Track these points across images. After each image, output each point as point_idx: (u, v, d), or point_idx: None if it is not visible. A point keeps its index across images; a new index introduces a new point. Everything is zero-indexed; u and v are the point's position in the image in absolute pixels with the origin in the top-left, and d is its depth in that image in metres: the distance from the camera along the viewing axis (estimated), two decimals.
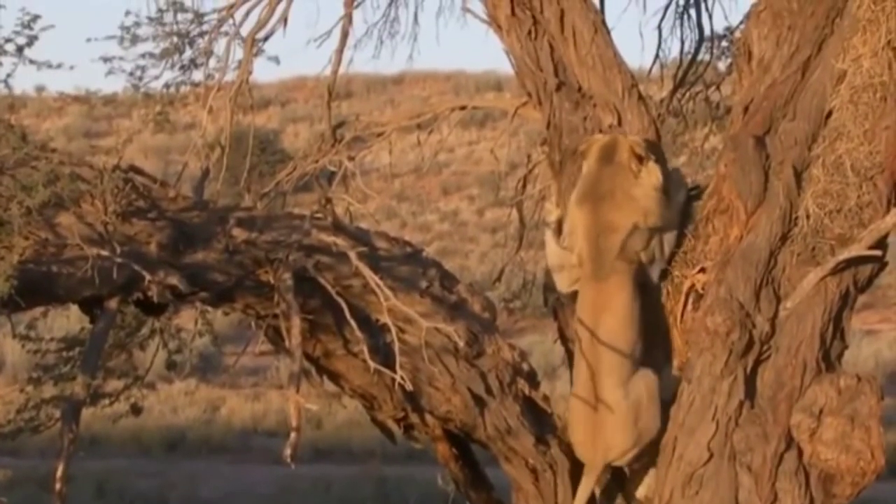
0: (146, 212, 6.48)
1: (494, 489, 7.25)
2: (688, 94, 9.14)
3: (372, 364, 6.39)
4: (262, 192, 7.60)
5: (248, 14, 7.51)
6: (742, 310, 6.61)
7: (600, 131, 7.07)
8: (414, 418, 6.84)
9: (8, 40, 6.09)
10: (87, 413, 6.73)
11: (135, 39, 7.23)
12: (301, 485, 16.04)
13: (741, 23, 8.09)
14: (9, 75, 6.12)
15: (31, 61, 6.10)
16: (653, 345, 6.80)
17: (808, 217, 6.68)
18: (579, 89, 7.17)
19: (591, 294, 6.72)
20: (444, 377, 6.70)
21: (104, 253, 6.08)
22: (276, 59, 7.53)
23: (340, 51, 7.58)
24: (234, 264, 6.50)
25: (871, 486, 6.74)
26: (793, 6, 6.97)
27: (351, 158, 7.57)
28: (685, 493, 6.64)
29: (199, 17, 7.59)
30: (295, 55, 8.03)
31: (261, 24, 7.49)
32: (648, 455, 6.80)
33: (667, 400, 6.73)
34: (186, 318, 7.63)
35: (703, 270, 6.88)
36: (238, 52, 7.54)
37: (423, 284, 6.83)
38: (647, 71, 9.15)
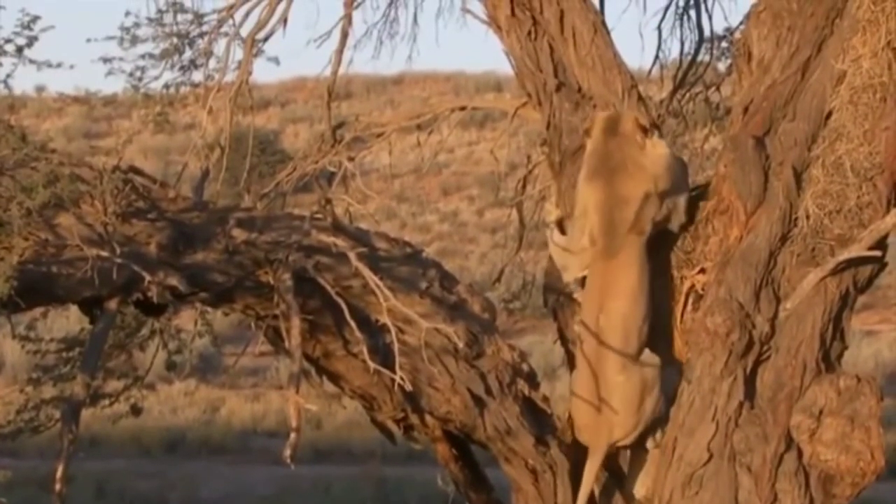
0: (146, 212, 6.48)
1: (494, 490, 7.25)
2: (688, 95, 9.14)
3: (371, 364, 6.39)
4: (262, 192, 7.60)
5: (247, 15, 7.51)
6: (742, 310, 6.61)
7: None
8: (414, 419, 6.84)
9: (8, 41, 6.09)
10: (86, 414, 6.73)
11: (135, 40, 7.23)
12: (301, 485, 16.06)
13: (741, 23, 8.10)
14: (9, 76, 6.12)
15: (31, 61, 6.10)
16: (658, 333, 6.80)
17: (807, 217, 6.68)
18: (579, 90, 7.17)
19: (602, 272, 6.70)
20: (443, 378, 6.69)
21: (104, 253, 6.08)
22: (276, 60, 7.54)
23: (340, 51, 7.59)
24: (233, 265, 6.50)
25: (871, 487, 6.74)
26: (792, 7, 6.97)
27: (351, 159, 7.57)
28: (685, 494, 6.64)
29: (198, 17, 7.59)
30: (295, 56, 8.03)
31: (260, 25, 7.49)
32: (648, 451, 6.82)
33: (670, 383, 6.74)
34: (186, 318, 7.63)
35: (702, 271, 6.88)
36: (238, 53, 7.55)
37: (423, 285, 6.83)
38: (646, 72, 9.15)
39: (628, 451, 6.96)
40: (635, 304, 6.65)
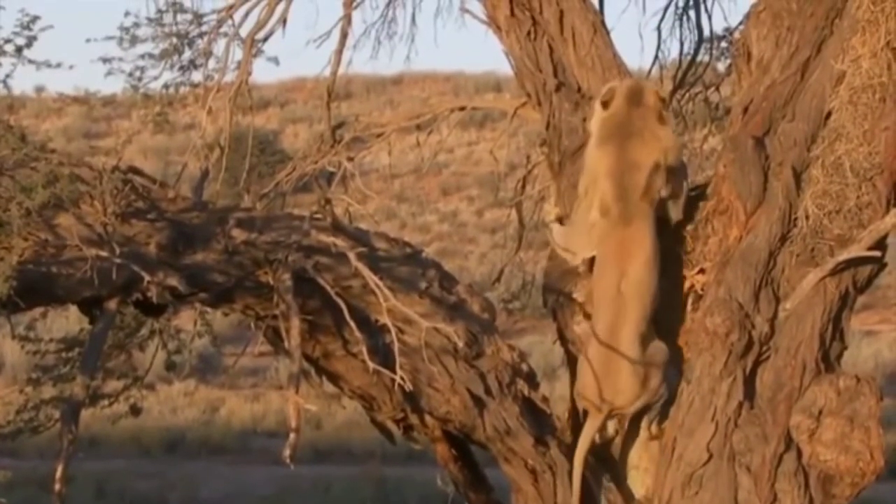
0: (145, 212, 6.48)
1: (494, 490, 7.24)
2: (687, 95, 9.14)
3: (371, 365, 6.39)
4: (262, 192, 7.60)
5: (247, 15, 7.52)
6: (741, 310, 6.61)
7: None
8: (413, 419, 6.84)
9: (7, 41, 6.09)
10: (86, 414, 6.72)
11: (134, 40, 7.23)
12: (301, 485, 16.07)
13: (740, 24, 8.09)
14: (8, 76, 6.12)
15: (31, 61, 6.10)
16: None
17: (807, 218, 6.68)
18: (579, 90, 7.17)
19: (620, 239, 6.70)
20: (443, 378, 6.69)
21: (103, 254, 6.08)
22: (276, 60, 7.54)
23: (339, 51, 7.59)
24: (233, 265, 6.50)
25: (871, 487, 6.74)
26: (792, 7, 6.97)
27: (350, 159, 7.58)
28: (684, 494, 6.64)
29: (198, 17, 7.59)
30: (294, 56, 8.03)
31: (260, 25, 7.50)
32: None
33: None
34: (186, 318, 7.62)
35: (702, 271, 6.89)
36: (237, 53, 7.56)
37: (423, 285, 6.83)
38: (646, 72, 9.15)
39: (622, 449, 6.97)
40: (651, 272, 6.68)
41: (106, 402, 7.56)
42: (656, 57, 9.17)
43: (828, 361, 6.73)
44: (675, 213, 6.88)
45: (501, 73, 38.78)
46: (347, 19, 7.57)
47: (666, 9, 8.94)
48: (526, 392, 6.87)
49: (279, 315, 6.43)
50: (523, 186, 7.92)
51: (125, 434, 18.38)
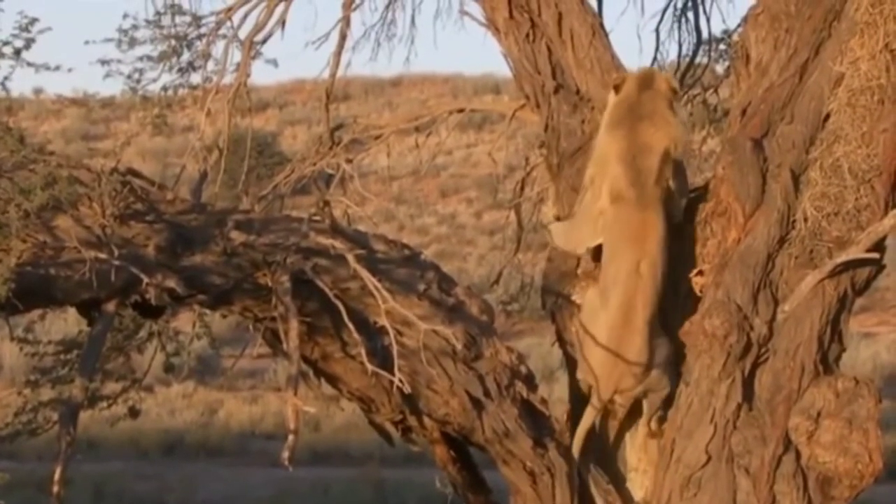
0: (144, 214, 6.47)
1: (492, 492, 7.24)
2: (686, 97, 9.14)
3: (370, 367, 6.38)
4: (260, 194, 7.60)
5: (245, 17, 7.52)
6: (740, 312, 6.61)
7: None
8: (412, 421, 6.84)
9: (6, 43, 6.08)
10: (84, 416, 6.72)
11: (133, 42, 7.22)
12: (299, 488, 16.05)
13: (739, 26, 8.10)
14: (6, 78, 6.11)
15: (29, 64, 6.10)
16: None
17: (805, 220, 6.68)
18: (577, 92, 7.17)
19: (638, 223, 6.72)
20: (442, 380, 6.69)
21: (102, 256, 6.08)
22: (274, 62, 7.54)
23: (338, 53, 7.59)
24: (231, 267, 6.50)
25: (869, 489, 6.74)
26: (790, 9, 6.97)
27: (349, 161, 7.58)
28: (683, 496, 6.64)
29: (196, 19, 7.59)
30: (293, 58, 8.03)
31: (259, 27, 7.50)
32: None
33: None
34: (184, 320, 7.62)
35: (700, 273, 6.89)
36: (236, 55, 7.56)
37: (421, 287, 6.82)
38: None
39: (621, 451, 6.98)
40: (663, 257, 6.70)
41: (104, 404, 7.55)
42: (655, 59, 9.18)
43: (826, 363, 6.73)
44: (677, 212, 6.88)
45: (500, 75, 38.77)
46: (346, 21, 7.57)
47: (664, 11, 8.95)
48: (524, 394, 6.87)
49: (278, 317, 6.43)
50: (522, 188, 7.93)
51: (123, 436, 18.35)
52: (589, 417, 6.83)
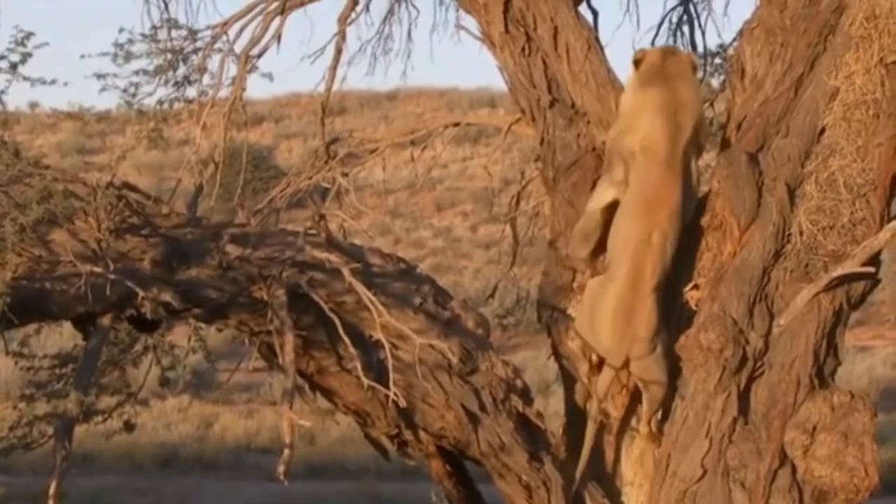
0: (139, 228, 6.47)
1: None
2: None
3: (365, 381, 6.38)
4: (256, 208, 7.60)
5: (241, 31, 7.53)
6: (735, 326, 6.61)
7: (593, 149, 7.09)
8: (407, 435, 6.84)
9: (2, 57, 6.09)
10: (80, 430, 6.71)
11: (129, 56, 7.23)
12: (295, 501, 16.03)
13: (734, 40, 8.10)
14: (2, 92, 6.12)
15: (25, 78, 6.10)
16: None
17: (801, 233, 6.69)
18: (573, 106, 7.18)
19: (657, 182, 6.70)
20: (437, 394, 6.69)
21: (97, 269, 6.08)
22: (270, 76, 7.54)
23: (334, 67, 7.60)
24: (227, 281, 6.50)
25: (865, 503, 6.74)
26: (786, 23, 6.99)
27: (345, 174, 7.58)
28: None
29: (192, 34, 7.60)
30: (289, 72, 8.03)
31: (254, 41, 7.50)
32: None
33: None
34: (180, 334, 7.62)
35: (696, 287, 6.89)
36: (232, 69, 7.56)
37: (417, 301, 6.83)
38: None
39: (617, 465, 6.97)
40: (676, 232, 6.71)
41: (100, 418, 7.54)
42: None
43: (822, 377, 6.73)
44: (690, 207, 6.86)
45: (496, 89, 38.78)
46: (342, 35, 7.58)
47: (660, 25, 8.95)
48: (520, 408, 6.87)
49: (273, 331, 6.43)
50: (517, 202, 7.93)
51: (119, 450, 18.32)
52: (605, 382, 6.80)
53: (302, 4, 7.52)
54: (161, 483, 17.81)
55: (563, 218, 7.16)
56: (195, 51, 7.57)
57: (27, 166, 6.06)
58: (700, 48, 9.05)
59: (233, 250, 6.52)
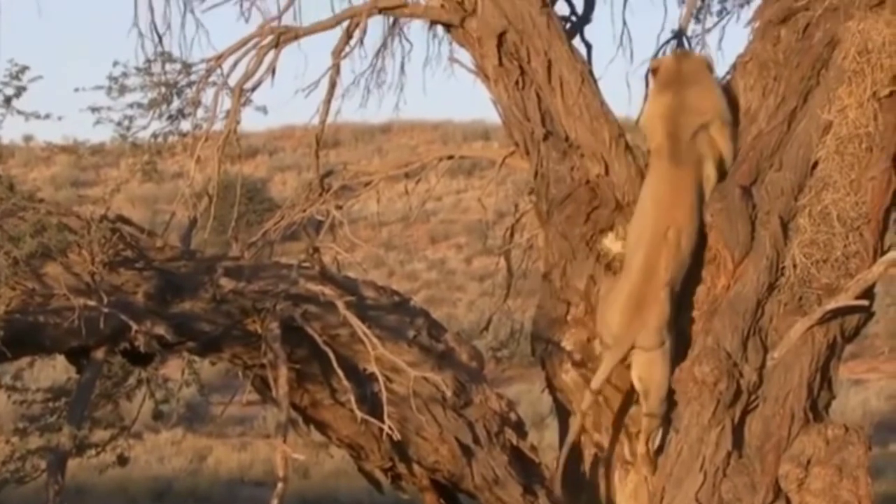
0: (133, 261, 6.47)
1: None
2: None
3: (359, 414, 6.37)
4: (250, 241, 7.59)
5: (235, 64, 7.52)
6: (730, 359, 6.61)
7: (587, 182, 7.10)
8: (401, 468, 6.83)
9: None
10: (73, 464, 6.69)
11: (123, 90, 7.23)
12: None
13: (727, 73, 8.12)
14: None
15: (20, 112, 6.11)
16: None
17: (794, 267, 6.69)
18: (566, 139, 7.19)
19: (670, 181, 6.85)
20: (431, 427, 6.68)
21: (91, 303, 6.07)
22: (264, 109, 7.55)
23: (328, 101, 7.60)
24: (221, 314, 6.50)
25: None
26: (779, 57, 7.01)
27: (339, 207, 7.57)
28: None
29: (187, 67, 7.60)
30: (283, 105, 8.04)
31: (249, 75, 7.50)
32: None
33: None
34: (173, 367, 7.60)
35: (690, 320, 6.89)
36: (226, 102, 7.55)
37: (411, 334, 6.83)
38: (634, 121, 9.17)
39: (612, 498, 6.96)
40: (692, 228, 6.78)
41: (93, 451, 7.53)
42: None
43: (816, 410, 6.73)
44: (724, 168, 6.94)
45: (490, 122, 38.79)
46: (336, 69, 7.58)
47: (653, 58, 8.96)
48: (514, 441, 6.86)
49: (267, 364, 6.42)
50: (511, 235, 7.93)
51: (112, 484, 18.24)
52: (608, 366, 6.80)
53: (296, 38, 7.53)
54: None
55: (557, 250, 7.17)
56: (189, 84, 7.57)
57: (21, 200, 6.06)
58: None
59: (227, 283, 6.52)
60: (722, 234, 6.77)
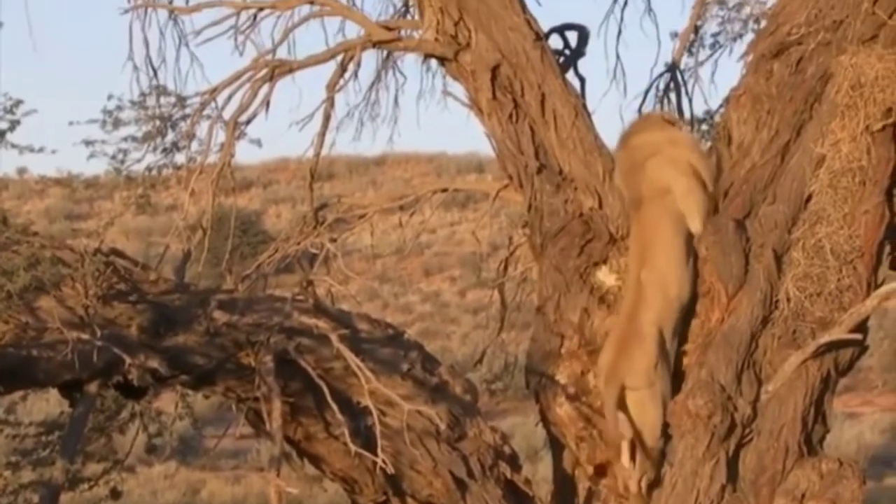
0: (127, 295, 6.47)
1: None
2: None
3: (353, 447, 6.36)
4: (244, 274, 7.59)
5: (230, 98, 7.54)
6: (724, 392, 6.60)
7: (581, 215, 7.11)
8: (395, 502, 6.81)
9: None
10: (65, 498, 6.67)
11: (117, 123, 7.24)
12: None
13: (721, 107, 8.15)
14: None
15: (14, 145, 6.11)
16: None
17: (788, 300, 6.70)
18: (560, 172, 7.20)
19: (635, 224, 6.94)
20: (425, 460, 6.67)
21: (84, 336, 6.06)
22: (258, 142, 7.56)
23: (322, 133, 7.61)
24: (214, 347, 6.49)
25: None
26: (772, 91, 7.03)
27: (333, 240, 7.58)
28: None
29: (181, 100, 7.62)
30: (277, 138, 8.05)
31: (243, 108, 7.52)
32: None
33: None
34: (167, 400, 7.59)
35: (684, 353, 6.89)
36: (220, 136, 7.56)
37: (405, 367, 6.82)
38: None
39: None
40: (677, 270, 6.84)
41: (86, 485, 7.51)
42: None
43: (810, 444, 6.72)
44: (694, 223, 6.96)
45: (484, 154, 38.84)
46: (330, 102, 7.60)
47: (647, 92, 8.98)
48: (508, 474, 6.85)
49: (261, 397, 6.41)
50: (505, 267, 7.93)
51: None
52: (610, 408, 6.80)
53: (290, 71, 7.54)
54: None
55: (551, 283, 7.17)
56: (184, 117, 7.59)
57: (15, 233, 6.06)
58: (687, 114, 9.09)
59: (220, 316, 6.51)
60: (716, 267, 6.78)
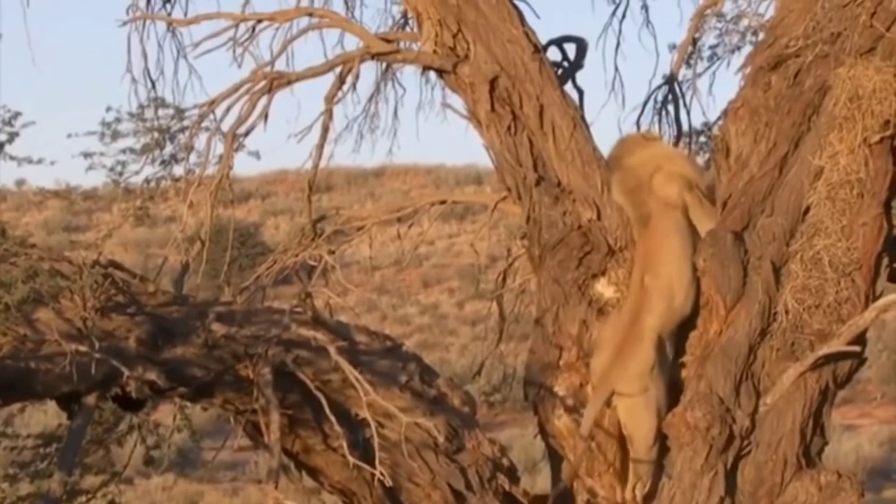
0: (125, 307, 6.46)
1: None
2: None
3: (351, 459, 6.35)
4: (242, 286, 7.59)
5: (228, 110, 7.54)
6: (722, 405, 6.60)
7: (579, 227, 7.11)
8: None
9: None
10: None
11: (116, 135, 7.24)
12: None
13: (719, 119, 8.15)
14: None
15: (12, 157, 6.11)
16: None
17: (787, 312, 6.70)
18: (558, 184, 7.20)
19: (639, 237, 7.00)
20: (423, 473, 6.67)
21: (83, 348, 6.06)
22: (257, 154, 7.56)
23: (321, 145, 7.61)
24: (213, 359, 6.49)
25: None
26: (770, 103, 7.03)
27: (331, 252, 7.57)
28: None
29: (179, 112, 7.62)
30: (276, 150, 8.06)
31: (241, 120, 7.52)
32: None
33: None
34: (165, 412, 7.59)
35: (682, 365, 6.89)
36: (219, 148, 7.56)
37: (403, 379, 6.82)
38: None
39: None
40: (682, 277, 6.88)
41: (84, 498, 7.49)
42: None
43: (809, 456, 6.72)
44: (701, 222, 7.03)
45: (482, 166, 38.87)
46: (329, 114, 7.60)
47: (645, 104, 8.99)
48: (507, 487, 6.84)
49: (259, 409, 6.41)
50: (504, 279, 7.93)
51: None
52: (595, 406, 6.82)
53: (289, 83, 7.54)
54: None
55: (550, 295, 7.17)
56: (182, 129, 7.59)
57: (13, 245, 6.06)
58: (685, 126, 9.10)
59: (218, 328, 6.51)
60: (714, 279, 6.78)
